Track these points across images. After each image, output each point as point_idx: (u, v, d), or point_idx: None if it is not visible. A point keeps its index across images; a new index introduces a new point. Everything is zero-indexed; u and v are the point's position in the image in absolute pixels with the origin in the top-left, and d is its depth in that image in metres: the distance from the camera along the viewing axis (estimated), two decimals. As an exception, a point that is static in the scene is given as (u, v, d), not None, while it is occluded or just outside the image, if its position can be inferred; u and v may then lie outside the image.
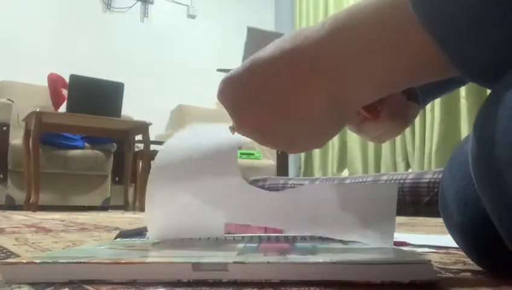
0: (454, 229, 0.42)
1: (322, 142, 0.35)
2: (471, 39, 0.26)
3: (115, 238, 0.58)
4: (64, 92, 3.26)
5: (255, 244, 0.46)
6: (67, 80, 3.14)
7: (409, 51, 0.29)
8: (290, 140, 0.35)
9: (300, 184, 3.33)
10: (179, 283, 0.34)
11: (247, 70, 0.33)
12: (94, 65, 3.72)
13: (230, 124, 0.37)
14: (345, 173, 4.14)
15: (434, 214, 0.54)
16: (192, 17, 4.84)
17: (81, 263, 0.35)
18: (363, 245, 0.48)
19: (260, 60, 0.33)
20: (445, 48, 0.27)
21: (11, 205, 3.04)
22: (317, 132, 0.34)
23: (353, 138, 4.12)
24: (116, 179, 3.48)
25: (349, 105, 0.32)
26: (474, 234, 0.39)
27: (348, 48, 0.30)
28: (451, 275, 0.42)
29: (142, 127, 3.16)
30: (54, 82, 3.34)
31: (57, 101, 3.31)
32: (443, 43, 0.27)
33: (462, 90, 2.95)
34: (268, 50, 0.33)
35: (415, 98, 0.49)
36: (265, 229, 0.82)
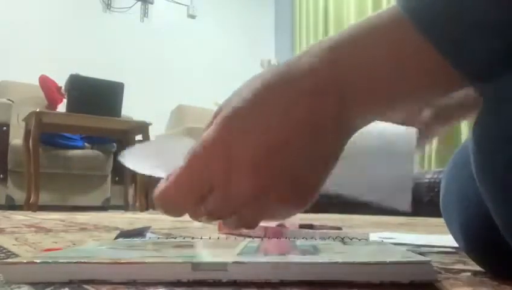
0: (455, 228, 0.42)
1: (324, 170, 0.31)
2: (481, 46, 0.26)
3: (115, 238, 0.58)
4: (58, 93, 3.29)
5: (256, 244, 0.46)
6: (66, 80, 3.15)
7: (412, 62, 0.28)
8: (291, 173, 0.30)
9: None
10: (178, 283, 0.34)
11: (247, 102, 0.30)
12: (94, 65, 3.72)
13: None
14: (345, 173, 4.14)
15: (434, 214, 0.54)
16: (192, 17, 4.85)
17: (81, 263, 0.35)
18: (363, 245, 0.48)
19: (258, 88, 0.30)
20: (454, 60, 0.26)
21: (11, 205, 3.04)
22: (320, 159, 0.31)
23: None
24: (116, 179, 3.48)
25: (350, 122, 0.30)
26: (475, 233, 0.39)
27: (346, 62, 0.29)
28: (451, 275, 0.42)
29: (142, 127, 3.16)
30: (47, 83, 3.35)
31: (53, 100, 3.31)
32: (449, 55, 0.26)
33: (462, 90, 2.95)
34: (258, 79, 0.31)
35: None
36: (265, 229, 0.82)
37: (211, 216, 0.33)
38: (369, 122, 0.31)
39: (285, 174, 0.30)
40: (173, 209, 0.33)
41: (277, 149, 0.30)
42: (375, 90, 0.29)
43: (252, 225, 0.33)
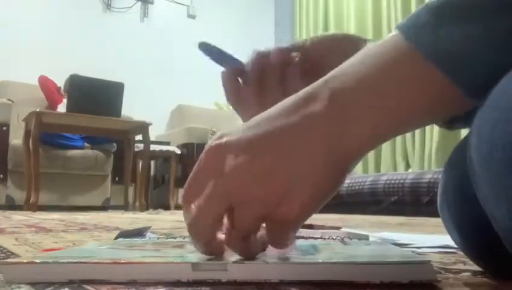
0: (453, 229, 0.42)
1: (320, 197, 0.32)
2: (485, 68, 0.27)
3: (115, 238, 0.58)
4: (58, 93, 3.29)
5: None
6: (65, 80, 3.15)
7: (415, 85, 0.29)
8: (285, 186, 0.31)
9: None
10: (178, 283, 0.34)
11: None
12: (94, 65, 3.72)
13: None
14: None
15: (434, 214, 0.54)
16: (192, 17, 4.85)
17: (81, 263, 0.35)
18: (363, 245, 0.48)
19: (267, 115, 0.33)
20: (458, 80, 0.27)
21: (11, 205, 3.04)
22: (316, 183, 0.31)
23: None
24: (116, 179, 3.48)
25: (348, 153, 0.31)
26: (473, 234, 0.39)
27: (345, 86, 0.30)
28: (451, 275, 0.42)
29: (142, 127, 3.16)
30: (46, 83, 3.35)
31: (53, 101, 3.31)
32: (456, 77, 0.27)
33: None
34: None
35: None
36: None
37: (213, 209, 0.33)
38: (365, 150, 0.32)
39: (281, 180, 0.31)
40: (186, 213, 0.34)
41: (271, 154, 0.31)
42: (371, 115, 0.30)
43: (245, 225, 0.33)
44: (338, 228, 0.86)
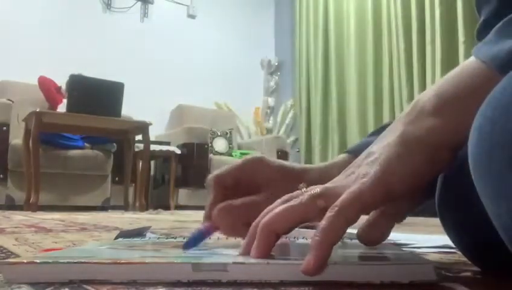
0: (451, 229, 0.42)
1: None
2: None
3: (115, 238, 0.58)
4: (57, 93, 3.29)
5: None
6: (67, 80, 3.14)
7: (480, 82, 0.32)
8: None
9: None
10: (178, 283, 0.34)
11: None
12: (94, 65, 3.72)
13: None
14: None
15: (433, 214, 0.54)
16: (192, 17, 4.85)
17: (81, 263, 0.35)
18: (363, 245, 0.48)
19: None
20: None
21: (11, 205, 3.04)
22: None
23: (353, 137, 4.12)
24: (116, 179, 3.48)
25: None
26: (473, 233, 0.39)
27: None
28: (451, 275, 0.42)
29: (142, 127, 3.16)
30: (46, 83, 3.35)
31: (53, 101, 3.31)
32: None
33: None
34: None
35: None
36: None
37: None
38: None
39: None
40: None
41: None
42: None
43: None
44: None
